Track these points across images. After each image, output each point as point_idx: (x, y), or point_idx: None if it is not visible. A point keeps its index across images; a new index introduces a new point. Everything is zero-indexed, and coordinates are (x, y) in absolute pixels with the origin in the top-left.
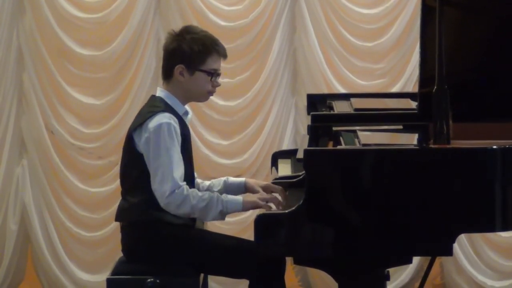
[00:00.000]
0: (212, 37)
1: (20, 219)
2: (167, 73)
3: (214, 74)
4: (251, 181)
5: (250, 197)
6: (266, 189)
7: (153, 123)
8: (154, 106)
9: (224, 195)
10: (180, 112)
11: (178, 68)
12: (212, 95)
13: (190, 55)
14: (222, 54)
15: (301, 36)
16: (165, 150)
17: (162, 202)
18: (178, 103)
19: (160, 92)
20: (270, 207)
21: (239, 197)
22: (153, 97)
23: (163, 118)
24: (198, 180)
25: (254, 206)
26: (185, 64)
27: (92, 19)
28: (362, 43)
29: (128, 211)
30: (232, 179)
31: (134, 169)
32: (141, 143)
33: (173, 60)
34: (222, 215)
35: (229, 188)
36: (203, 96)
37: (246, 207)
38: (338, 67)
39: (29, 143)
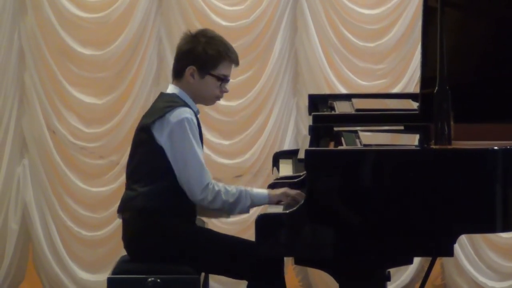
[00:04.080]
0: (227, 44)
1: (21, 219)
2: (178, 73)
3: (224, 80)
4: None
5: (276, 190)
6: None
7: (174, 117)
8: (172, 101)
9: (250, 188)
10: (194, 110)
11: (190, 69)
12: (218, 100)
13: (203, 59)
14: (235, 61)
15: (302, 37)
16: (192, 145)
17: (196, 197)
18: (191, 101)
19: (173, 89)
20: (297, 201)
21: (265, 191)
22: (166, 94)
23: (185, 112)
24: None
25: (279, 200)
26: (197, 66)
27: (93, 19)
28: (364, 44)
29: (135, 199)
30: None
31: (150, 162)
32: (162, 137)
33: (186, 60)
34: (248, 209)
35: None
36: (210, 100)
37: (272, 200)
38: (340, 68)
39: (30, 143)
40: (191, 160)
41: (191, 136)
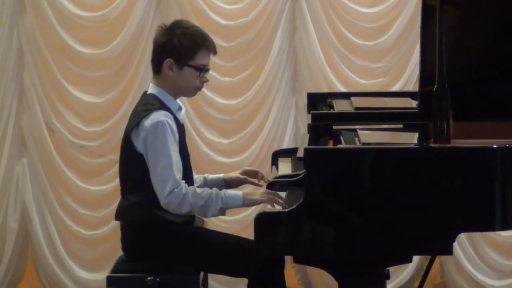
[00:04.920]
0: (202, 33)
1: (20, 218)
2: (157, 67)
3: (203, 69)
4: (231, 175)
5: (252, 193)
6: (245, 174)
7: (149, 121)
8: (148, 104)
9: (223, 190)
10: (174, 108)
11: (167, 62)
12: (200, 90)
13: (180, 50)
14: (212, 49)
15: (301, 35)
16: (164, 148)
17: (162, 201)
18: (171, 99)
19: (152, 88)
20: (273, 203)
21: (239, 193)
22: (146, 95)
23: (159, 116)
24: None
25: (255, 203)
26: (175, 59)
27: (92, 18)
28: (363, 42)
29: (129, 210)
30: (211, 176)
31: (134, 169)
32: (139, 143)
33: (163, 54)
34: (222, 212)
35: (209, 186)
36: (191, 91)
37: (246, 203)
38: (339, 66)
39: (29, 142)
40: (159, 164)
41: (163, 139)
